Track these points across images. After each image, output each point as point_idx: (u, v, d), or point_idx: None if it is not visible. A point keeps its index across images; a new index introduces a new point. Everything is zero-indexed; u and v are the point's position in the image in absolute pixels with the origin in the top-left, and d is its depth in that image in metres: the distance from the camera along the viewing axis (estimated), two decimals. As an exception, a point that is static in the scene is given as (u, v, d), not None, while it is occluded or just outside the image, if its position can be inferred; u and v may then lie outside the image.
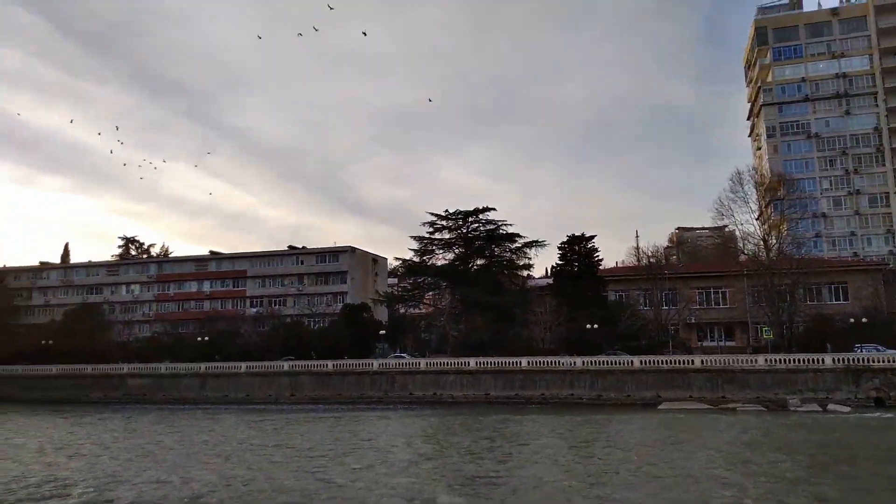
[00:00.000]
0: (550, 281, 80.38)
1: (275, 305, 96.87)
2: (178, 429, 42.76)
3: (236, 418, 48.78)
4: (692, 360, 54.47)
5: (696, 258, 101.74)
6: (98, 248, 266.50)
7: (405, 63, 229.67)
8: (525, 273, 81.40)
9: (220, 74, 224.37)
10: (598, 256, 75.23)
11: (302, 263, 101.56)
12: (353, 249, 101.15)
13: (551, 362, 57.67)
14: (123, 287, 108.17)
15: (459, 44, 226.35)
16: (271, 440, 36.10)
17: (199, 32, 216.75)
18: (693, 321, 70.55)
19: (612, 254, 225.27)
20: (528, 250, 77.11)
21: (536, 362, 57.83)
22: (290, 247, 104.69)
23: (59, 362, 74.12)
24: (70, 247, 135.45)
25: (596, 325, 63.77)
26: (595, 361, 56.41)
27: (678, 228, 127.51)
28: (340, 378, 62.49)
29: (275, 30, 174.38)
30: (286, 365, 65.79)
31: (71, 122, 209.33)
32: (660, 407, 49.80)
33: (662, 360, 55.03)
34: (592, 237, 74.19)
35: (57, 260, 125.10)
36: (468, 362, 59.71)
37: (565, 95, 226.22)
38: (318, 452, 30.95)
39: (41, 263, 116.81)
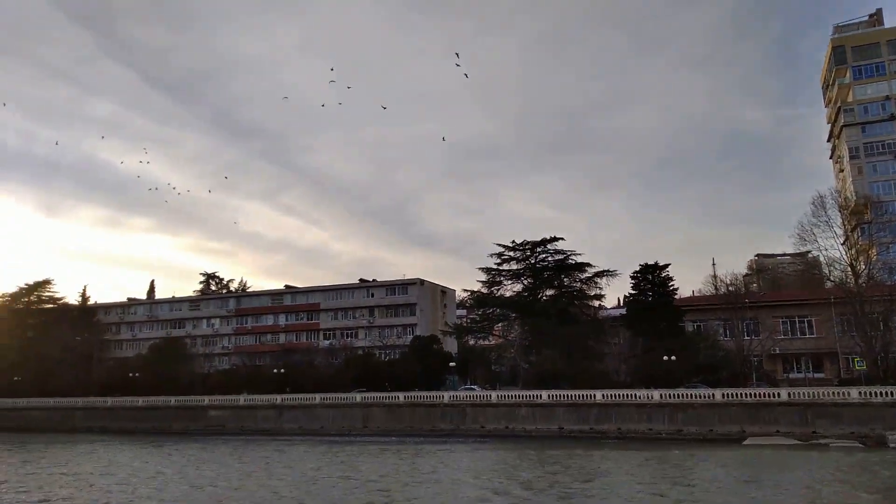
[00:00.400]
0: (623, 311, 78.56)
1: (347, 337, 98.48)
2: (251, 460, 43.59)
3: (308, 448, 49.51)
4: (778, 393, 51.77)
5: (778, 286, 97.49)
6: (181, 283, 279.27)
7: (474, 96, 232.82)
8: (597, 303, 79.88)
9: (294, 116, 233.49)
10: (672, 285, 72.99)
11: (372, 296, 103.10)
12: (421, 281, 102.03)
13: (627, 395, 56.02)
14: (204, 321, 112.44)
15: (527, 75, 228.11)
16: (339, 471, 36.34)
17: (274, 77, 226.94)
18: (777, 352, 67.26)
19: (687, 283, 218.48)
20: (598, 280, 75.84)
21: (612, 395, 56.30)
22: (361, 280, 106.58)
23: (146, 394, 77.40)
24: (155, 283, 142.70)
25: (673, 357, 61.70)
26: (674, 394, 54.43)
27: (757, 255, 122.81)
28: (411, 410, 62.59)
29: (346, 72, 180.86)
30: (359, 397, 66.51)
31: (147, 163, 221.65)
32: (745, 442, 47.42)
33: (746, 393, 52.53)
34: (666, 266, 72.22)
35: (143, 296, 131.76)
36: (540, 395, 58.76)
37: (636, 123, 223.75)
38: (383, 485, 31.02)
39: (129, 300, 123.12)
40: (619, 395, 56.28)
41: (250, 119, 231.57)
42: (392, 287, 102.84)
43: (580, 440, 51.78)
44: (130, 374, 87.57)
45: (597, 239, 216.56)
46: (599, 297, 78.24)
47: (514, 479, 32.29)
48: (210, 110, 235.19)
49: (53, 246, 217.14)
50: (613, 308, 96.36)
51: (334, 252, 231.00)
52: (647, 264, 72.17)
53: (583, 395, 57.07)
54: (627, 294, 74.64)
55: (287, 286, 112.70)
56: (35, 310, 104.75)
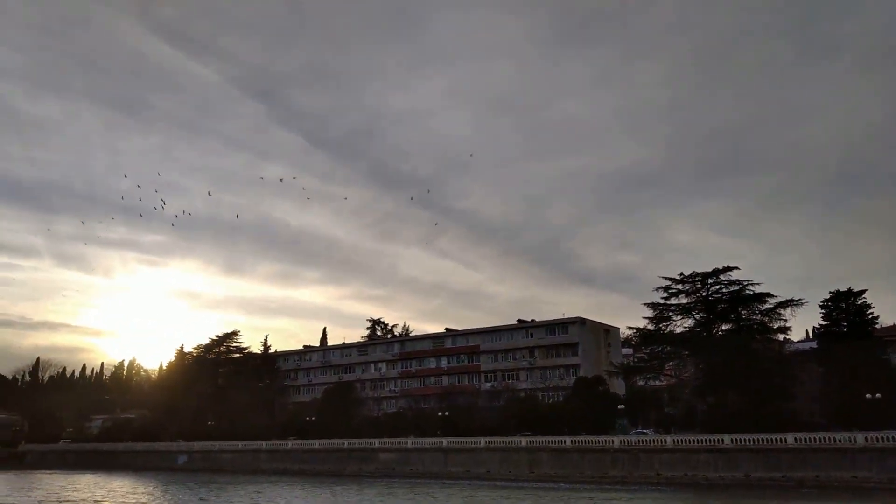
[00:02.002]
0: (814, 345, 70.48)
1: (508, 379, 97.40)
2: None
3: (492, 495, 48.56)
4: None
5: None
6: (349, 330, 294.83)
7: (625, 126, 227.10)
8: (781, 337, 72.06)
9: (444, 162, 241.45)
10: (871, 313, 64.67)
11: (531, 336, 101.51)
12: (582, 320, 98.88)
13: (825, 438, 49.64)
14: (372, 366, 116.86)
15: (680, 98, 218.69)
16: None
17: (426, 128, 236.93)
18: None
19: (889, 310, 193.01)
20: (782, 311, 68.04)
21: (806, 438, 50.18)
22: (519, 320, 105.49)
23: (321, 436, 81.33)
24: (327, 330, 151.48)
25: (878, 395, 53.97)
26: (882, 437, 47.39)
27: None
28: (579, 455, 59.90)
29: (492, 115, 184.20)
30: (524, 441, 64.93)
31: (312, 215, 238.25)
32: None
33: (980, 438, 44.47)
34: (863, 292, 64.25)
35: (317, 343, 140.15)
36: (722, 439, 53.74)
37: (809, 137, 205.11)
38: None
39: (304, 347, 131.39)
40: (814, 438, 50.07)
41: (404, 169, 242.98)
42: (551, 327, 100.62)
43: (770, 489, 46.35)
44: (307, 418, 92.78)
45: (775, 266, 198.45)
46: (784, 329, 70.06)
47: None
48: (367, 164, 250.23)
49: (235, 300, 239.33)
50: (801, 341, 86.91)
51: (491, 293, 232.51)
52: (838, 291, 64.73)
53: (772, 440, 51.44)
54: (817, 325, 67.07)
55: (447, 329, 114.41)
56: (224, 359, 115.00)
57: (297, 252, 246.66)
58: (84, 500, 48.71)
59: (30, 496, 52.12)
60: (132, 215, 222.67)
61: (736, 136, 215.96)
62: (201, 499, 48.69)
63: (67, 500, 46.41)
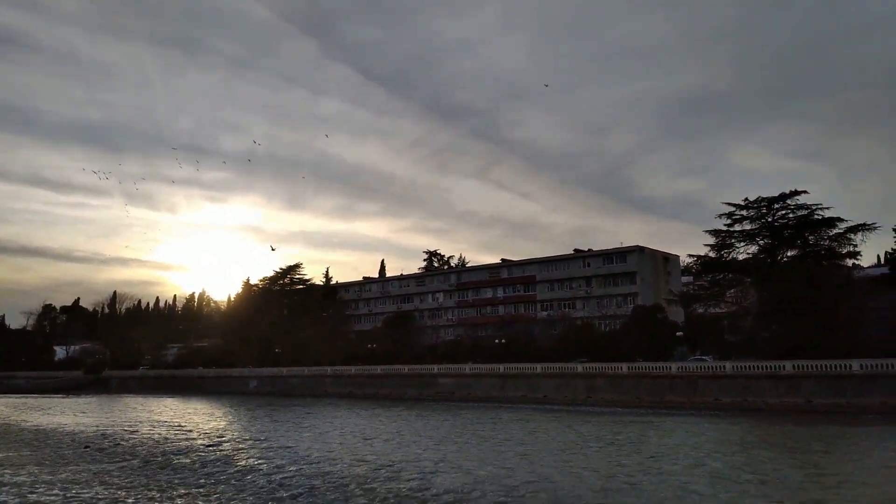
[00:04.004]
0: (886, 270, 67.68)
1: (564, 308, 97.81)
2: (536, 429, 41.83)
3: (548, 418, 49.61)
4: None
5: None
6: (407, 262, 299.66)
7: (689, 47, 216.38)
8: (851, 262, 69.39)
9: (501, 92, 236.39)
10: (950, 236, 61.31)
11: (588, 265, 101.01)
12: (640, 249, 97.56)
13: (893, 365, 48.33)
14: (430, 296, 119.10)
15: (746, 16, 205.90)
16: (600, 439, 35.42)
17: (481, 56, 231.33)
18: None
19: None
20: (853, 236, 65.17)
21: (875, 364, 49.01)
22: (576, 250, 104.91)
23: (382, 363, 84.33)
24: (385, 263, 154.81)
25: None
26: (957, 365, 45.84)
27: None
28: (636, 381, 60.31)
29: (548, 40, 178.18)
30: (580, 367, 65.67)
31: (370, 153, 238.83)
32: None
33: None
34: (941, 214, 60.71)
35: (376, 275, 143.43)
36: (783, 365, 53.06)
37: (883, 52, 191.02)
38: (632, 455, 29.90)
39: (364, 278, 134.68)
40: (882, 364, 48.82)
41: (460, 101, 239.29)
42: (609, 256, 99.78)
43: (833, 415, 45.76)
44: (369, 346, 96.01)
45: (849, 190, 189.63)
46: (854, 255, 67.30)
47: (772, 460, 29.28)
48: (422, 96, 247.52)
49: (297, 234, 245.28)
50: (872, 267, 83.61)
51: (547, 223, 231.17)
52: (915, 214, 61.33)
53: (837, 366, 50.47)
54: (891, 249, 64.04)
55: (503, 260, 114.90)
56: (289, 291, 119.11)
57: (355, 186, 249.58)
58: (176, 419, 52.38)
59: (129, 415, 56.31)
60: (195, 153, 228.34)
61: (808, 53, 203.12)
62: (274, 420, 51.54)
63: (159, 422, 49.97)
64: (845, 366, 50.06)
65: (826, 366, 50.96)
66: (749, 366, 55.68)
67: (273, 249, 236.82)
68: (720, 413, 50.61)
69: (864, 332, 58.44)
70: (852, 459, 28.21)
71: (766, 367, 54.16)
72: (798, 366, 52.18)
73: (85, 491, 21.99)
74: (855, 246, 65.59)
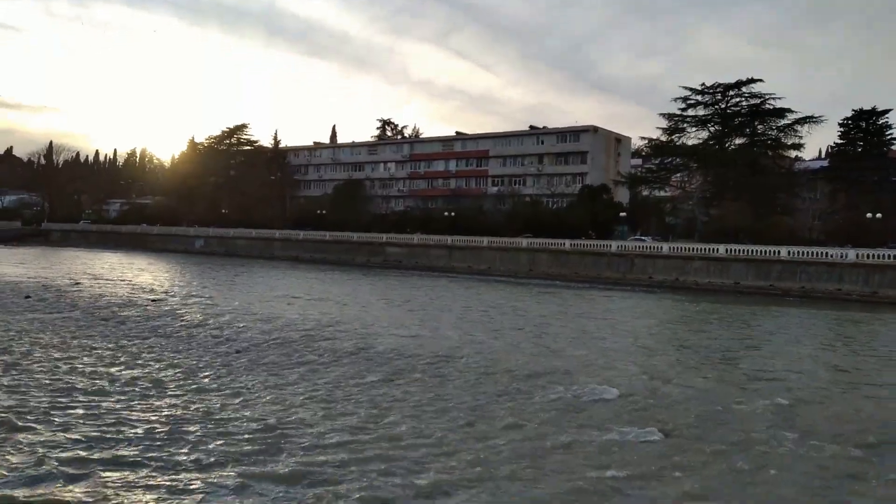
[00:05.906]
0: (825, 163, 70.12)
1: (515, 185, 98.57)
2: (455, 294, 45.06)
3: (486, 287, 51.50)
4: None
5: None
6: (359, 130, 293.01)
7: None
8: (794, 154, 71.51)
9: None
10: (891, 134, 63.44)
11: (542, 143, 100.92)
12: (594, 129, 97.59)
13: (818, 253, 51.37)
14: (381, 165, 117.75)
15: None
16: (511, 306, 37.49)
17: None
18: None
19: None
20: (799, 128, 66.85)
21: (799, 252, 51.94)
22: (531, 127, 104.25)
23: (331, 229, 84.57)
24: (336, 128, 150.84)
25: (879, 215, 54.82)
26: (874, 254, 48.97)
27: None
28: (578, 257, 62.51)
29: None
30: (524, 242, 67.42)
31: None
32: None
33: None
34: (886, 112, 62.32)
35: (327, 140, 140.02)
36: (717, 248, 55.67)
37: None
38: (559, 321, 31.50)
39: (314, 143, 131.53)
40: (808, 252, 51.81)
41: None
42: (563, 134, 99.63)
43: (757, 296, 48.93)
44: (318, 211, 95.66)
45: (806, 81, 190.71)
46: (798, 146, 69.45)
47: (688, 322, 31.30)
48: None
49: (246, 91, 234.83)
50: (813, 160, 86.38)
51: (505, 98, 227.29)
52: (861, 110, 62.79)
53: (765, 251, 53.27)
54: (833, 144, 66.14)
55: (457, 133, 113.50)
56: (236, 151, 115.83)
57: (306, 44, 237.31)
58: (121, 274, 52.05)
59: (70, 268, 55.54)
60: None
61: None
62: (235, 276, 51.85)
63: (102, 276, 49.54)
64: (774, 252, 52.83)
65: (756, 251, 53.70)
66: (684, 247, 58.22)
67: None
68: (654, 290, 53.41)
69: (798, 219, 61.53)
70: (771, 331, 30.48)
71: (701, 249, 56.74)
72: (730, 250, 54.81)
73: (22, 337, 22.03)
74: (801, 138, 67.57)
